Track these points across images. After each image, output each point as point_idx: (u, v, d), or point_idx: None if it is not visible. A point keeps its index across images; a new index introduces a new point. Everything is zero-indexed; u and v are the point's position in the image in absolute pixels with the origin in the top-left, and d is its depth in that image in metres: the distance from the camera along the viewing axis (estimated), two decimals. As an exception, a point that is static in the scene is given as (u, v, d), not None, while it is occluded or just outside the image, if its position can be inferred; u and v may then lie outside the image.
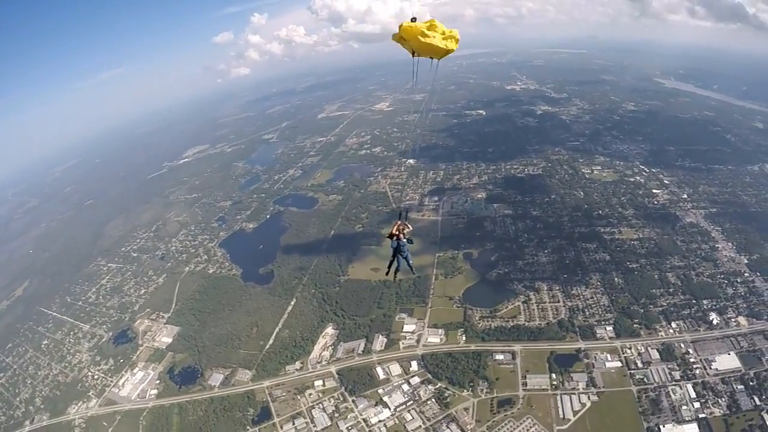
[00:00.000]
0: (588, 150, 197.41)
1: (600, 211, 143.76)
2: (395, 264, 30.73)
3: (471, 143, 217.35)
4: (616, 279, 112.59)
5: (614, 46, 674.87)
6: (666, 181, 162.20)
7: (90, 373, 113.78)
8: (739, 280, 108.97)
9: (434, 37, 21.41)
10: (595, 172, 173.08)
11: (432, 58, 23.96)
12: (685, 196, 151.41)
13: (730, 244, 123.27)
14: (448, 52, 22.19)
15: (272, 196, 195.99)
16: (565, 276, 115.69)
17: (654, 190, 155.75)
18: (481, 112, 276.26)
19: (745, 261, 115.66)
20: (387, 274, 32.77)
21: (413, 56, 24.27)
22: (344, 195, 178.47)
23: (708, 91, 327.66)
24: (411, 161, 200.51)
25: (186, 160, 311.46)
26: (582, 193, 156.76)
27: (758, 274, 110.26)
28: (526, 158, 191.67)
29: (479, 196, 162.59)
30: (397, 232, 30.36)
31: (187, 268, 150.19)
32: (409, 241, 30.87)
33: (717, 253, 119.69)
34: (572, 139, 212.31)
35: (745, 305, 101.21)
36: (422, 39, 21.24)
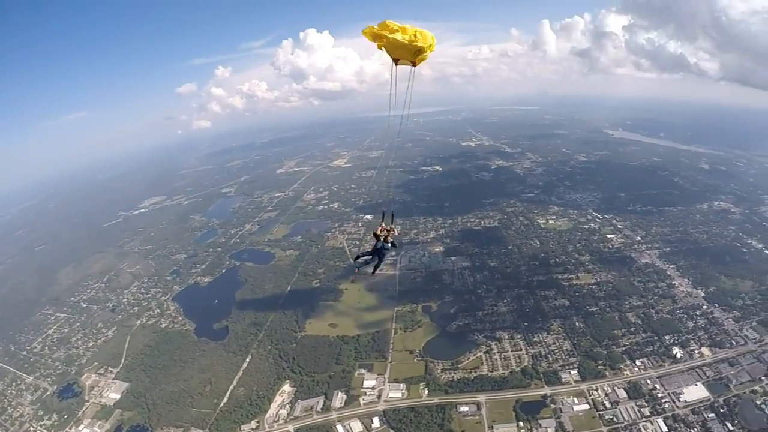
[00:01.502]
0: (542, 201, 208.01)
1: (557, 259, 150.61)
2: (373, 261, 32.09)
3: (428, 198, 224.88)
4: (577, 323, 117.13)
5: (565, 101, 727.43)
6: (619, 226, 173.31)
7: (32, 429, 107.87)
8: (698, 313, 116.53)
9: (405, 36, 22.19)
10: (550, 221, 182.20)
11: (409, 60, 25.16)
12: (639, 238, 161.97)
13: (686, 279, 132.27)
14: (418, 50, 22.87)
15: (228, 250, 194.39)
16: (526, 324, 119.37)
17: (608, 235, 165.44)
18: (437, 168, 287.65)
19: (702, 294, 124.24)
20: (355, 261, 34.82)
21: (395, 63, 25.52)
22: (301, 250, 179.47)
23: (655, 138, 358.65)
24: (368, 217, 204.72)
25: (142, 210, 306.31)
26: (538, 242, 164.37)
27: (716, 305, 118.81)
28: (482, 211, 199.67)
29: (437, 249, 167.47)
30: (384, 234, 31.34)
31: (139, 322, 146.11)
32: (393, 245, 31.80)
33: (674, 289, 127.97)
34: (527, 191, 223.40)
35: (706, 336, 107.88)
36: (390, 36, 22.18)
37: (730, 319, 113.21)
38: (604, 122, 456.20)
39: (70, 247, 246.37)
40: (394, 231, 31.78)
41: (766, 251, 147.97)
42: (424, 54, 23.20)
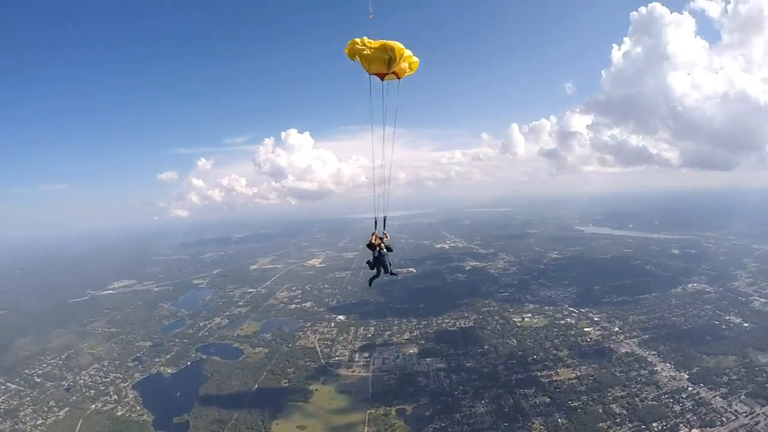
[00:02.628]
0: (517, 299, 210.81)
1: (535, 356, 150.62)
2: (377, 276, 32.81)
3: (402, 299, 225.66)
4: (559, 420, 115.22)
5: (535, 200, 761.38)
6: (596, 318, 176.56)
7: None
8: (684, 396, 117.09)
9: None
10: (525, 319, 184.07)
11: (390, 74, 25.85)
12: (617, 329, 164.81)
13: (668, 364, 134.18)
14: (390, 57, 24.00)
15: (196, 342, 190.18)
16: (506, 424, 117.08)
17: (585, 329, 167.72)
18: (411, 269, 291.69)
19: (686, 376, 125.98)
20: (370, 285, 36.05)
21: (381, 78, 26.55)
22: (271, 348, 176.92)
23: (624, 230, 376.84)
24: (341, 317, 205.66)
25: (111, 291, 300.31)
26: (515, 340, 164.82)
27: (701, 385, 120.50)
28: (457, 312, 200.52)
29: (411, 351, 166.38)
30: (377, 242, 31.86)
31: (94, 406, 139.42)
32: (389, 249, 32.73)
33: (657, 375, 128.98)
34: (501, 291, 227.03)
35: (696, 417, 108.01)
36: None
37: (718, 397, 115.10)
38: (575, 219, 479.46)
39: (33, 317, 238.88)
40: (386, 236, 32.73)
41: (744, 324, 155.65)
42: (401, 62, 25.42)
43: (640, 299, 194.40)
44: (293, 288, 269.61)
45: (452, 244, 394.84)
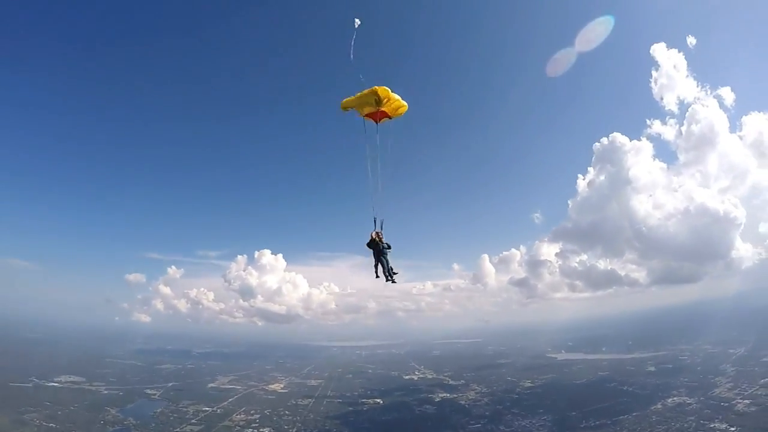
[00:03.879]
0: (490, 430, 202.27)
1: None
2: (380, 265, 34.38)
3: (366, 431, 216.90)
4: None
5: (507, 330, 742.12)
6: None
7: None
8: None
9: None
10: None
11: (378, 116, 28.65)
12: None
13: None
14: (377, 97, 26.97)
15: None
16: None
17: None
18: (378, 400, 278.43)
19: None
20: (377, 276, 36.24)
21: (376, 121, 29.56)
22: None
23: (598, 354, 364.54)
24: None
25: (56, 384, 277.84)
26: None
27: None
28: None
29: None
30: (376, 239, 34.03)
31: None
32: (388, 246, 34.52)
33: None
34: (473, 422, 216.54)
35: None
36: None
37: None
38: (547, 347, 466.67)
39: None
40: (381, 236, 34.83)
41: (731, 429, 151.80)
42: (388, 103, 28.11)
43: (619, 420, 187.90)
44: (252, 411, 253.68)
45: (421, 375, 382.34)
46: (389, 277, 36.52)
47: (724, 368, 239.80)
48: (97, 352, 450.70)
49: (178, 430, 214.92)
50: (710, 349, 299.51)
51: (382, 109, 31.20)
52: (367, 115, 32.30)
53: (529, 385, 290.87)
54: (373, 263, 35.75)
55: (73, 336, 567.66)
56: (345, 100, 30.98)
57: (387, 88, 30.95)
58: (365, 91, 30.82)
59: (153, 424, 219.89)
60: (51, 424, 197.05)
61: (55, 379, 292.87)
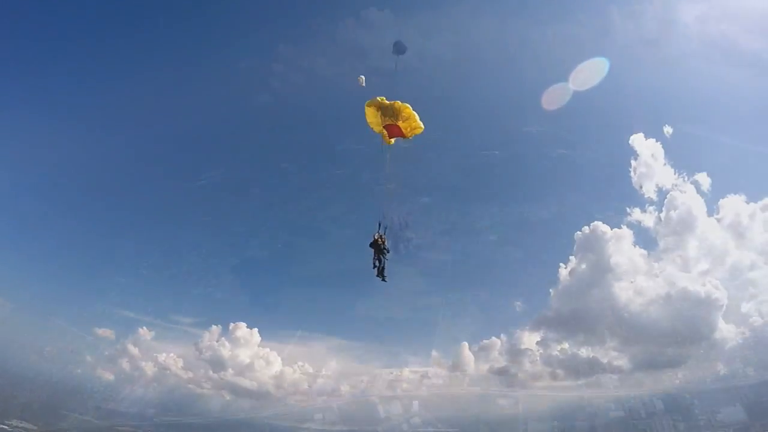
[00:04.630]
0: None
1: None
2: (378, 262, 34.49)
3: None
4: None
5: (486, 419, 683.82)
6: None
7: None
8: None
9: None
10: None
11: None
12: None
13: None
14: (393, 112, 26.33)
15: None
16: None
17: None
18: None
19: None
20: (374, 267, 36.11)
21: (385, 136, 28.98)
22: None
23: None
24: None
25: (6, 428, 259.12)
26: None
27: None
28: None
29: None
30: (379, 241, 34.50)
31: None
32: (387, 250, 34.83)
33: None
34: None
35: None
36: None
37: None
38: None
39: None
40: (384, 239, 35.98)
41: None
42: (402, 119, 27.95)
43: None
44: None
45: None
46: (382, 278, 37.36)
47: None
48: (54, 402, 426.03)
49: None
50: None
51: (399, 124, 32.57)
52: (384, 129, 33.78)
53: None
54: (373, 257, 35.95)
55: (30, 380, 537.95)
56: (372, 102, 31.42)
57: (409, 106, 31.99)
58: (391, 103, 31.95)
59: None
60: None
61: (6, 422, 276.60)
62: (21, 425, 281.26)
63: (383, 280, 38.52)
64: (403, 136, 32.18)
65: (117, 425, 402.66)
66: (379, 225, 35.61)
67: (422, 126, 31.99)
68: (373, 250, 36.95)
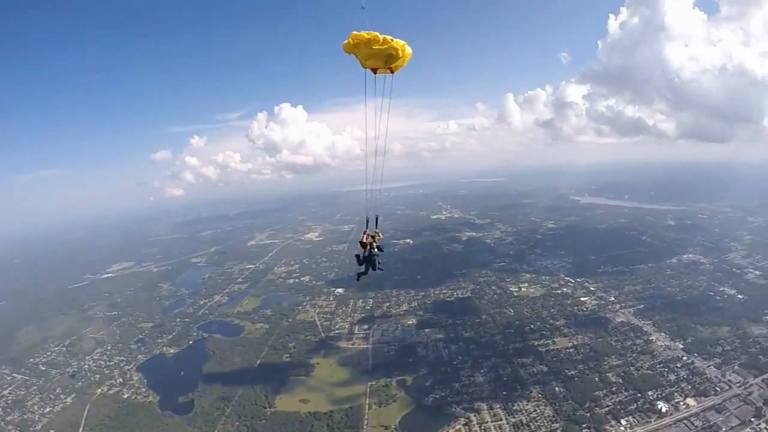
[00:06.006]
0: (514, 269, 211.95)
1: (532, 326, 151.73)
2: (365, 272, 32.33)
3: (399, 271, 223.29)
4: (556, 388, 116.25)
5: (531, 170, 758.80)
6: (592, 288, 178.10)
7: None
8: (678, 365, 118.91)
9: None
10: (522, 289, 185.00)
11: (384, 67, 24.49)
12: (613, 298, 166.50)
13: (663, 334, 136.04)
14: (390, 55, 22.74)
15: (196, 321, 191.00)
16: (504, 393, 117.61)
17: (582, 298, 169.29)
18: (408, 240, 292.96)
19: (681, 346, 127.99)
20: (358, 279, 34.78)
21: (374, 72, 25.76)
22: (271, 324, 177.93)
23: (620, 201, 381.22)
24: (340, 290, 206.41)
25: (110, 275, 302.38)
26: (512, 310, 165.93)
27: (695, 354, 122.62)
28: (454, 282, 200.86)
29: (410, 322, 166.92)
30: (369, 241, 31.46)
31: (100, 390, 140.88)
32: (380, 249, 32.14)
33: (652, 344, 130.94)
34: (498, 261, 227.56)
35: (690, 387, 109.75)
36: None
37: (712, 367, 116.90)
38: (570, 189, 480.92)
39: (33, 306, 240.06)
40: (379, 235, 32.43)
41: (738, 296, 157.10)
42: (398, 59, 24.14)
43: (635, 269, 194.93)
44: (291, 263, 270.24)
45: (448, 215, 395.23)
46: (374, 269, 32.81)
47: (740, 235, 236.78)
48: (140, 235, 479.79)
49: (226, 290, 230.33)
50: (730, 213, 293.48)
51: (392, 67, 25.46)
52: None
53: (552, 226, 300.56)
54: (360, 257, 31.29)
55: (114, 227, 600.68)
56: (348, 42, 23.55)
57: (404, 43, 24.10)
58: (380, 46, 23.52)
59: (203, 290, 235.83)
60: (114, 313, 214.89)
61: (108, 271, 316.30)
62: (121, 267, 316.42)
63: (380, 270, 33.09)
64: (391, 71, 25.19)
65: (200, 232, 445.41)
66: (367, 221, 30.29)
67: (410, 53, 24.38)
68: (359, 256, 30.75)
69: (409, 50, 24.61)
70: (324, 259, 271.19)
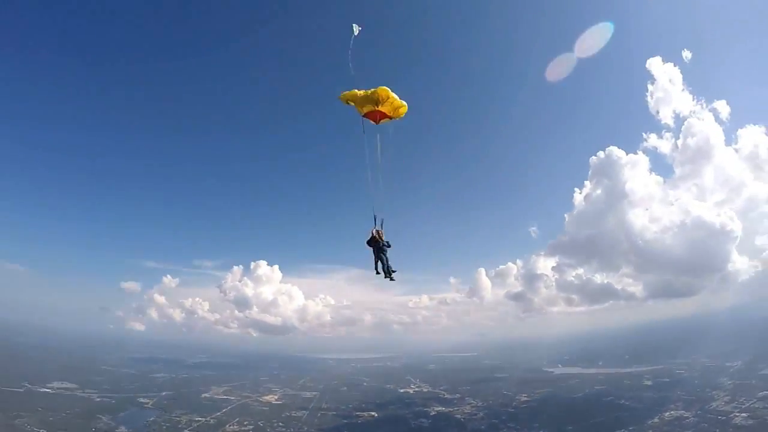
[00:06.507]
0: None
1: None
2: (380, 263, 34.63)
3: None
4: None
5: (503, 344, 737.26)
6: None
7: None
8: None
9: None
10: None
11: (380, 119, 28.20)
12: None
13: None
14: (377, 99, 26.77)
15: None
16: None
17: None
18: (373, 413, 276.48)
19: None
20: (377, 272, 36.37)
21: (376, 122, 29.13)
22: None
23: (594, 368, 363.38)
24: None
25: (49, 390, 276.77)
26: None
27: None
28: None
29: None
30: (377, 237, 34.20)
31: None
32: (387, 244, 34.74)
33: None
34: None
35: None
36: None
37: None
38: (543, 360, 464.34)
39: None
40: (381, 234, 34.97)
41: None
42: (387, 102, 27.81)
43: None
44: (245, 422, 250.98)
45: (417, 389, 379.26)
46: (388, 275, 36.94)
47: (721, 382, 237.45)
48: (91, 359, 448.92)
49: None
50: (707, 362, 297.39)
51: (381, 109, 31.35)
52: (366, 115, 32.59)
53: (526, 399, 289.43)
54: (374, 260, 36.06)
55: (66, 342, 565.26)
56: (345, 92, 31.33)
57: (387, 88, 31.38)
58: (367, 91, 31.20)
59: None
60: (42, 430, 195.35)
61: (48, 385, 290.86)
62: (62, 385, 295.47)
63: (391, 279, 37.15)
64: (388, 117, 30.58)
65: (153, 372, 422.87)
66: (375, 218, 33.83)
67: (405, 104, 30.61)
68: (371, 248, 34.89)
69: (396, 97, 29.61)
70: (281, 424, 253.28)
